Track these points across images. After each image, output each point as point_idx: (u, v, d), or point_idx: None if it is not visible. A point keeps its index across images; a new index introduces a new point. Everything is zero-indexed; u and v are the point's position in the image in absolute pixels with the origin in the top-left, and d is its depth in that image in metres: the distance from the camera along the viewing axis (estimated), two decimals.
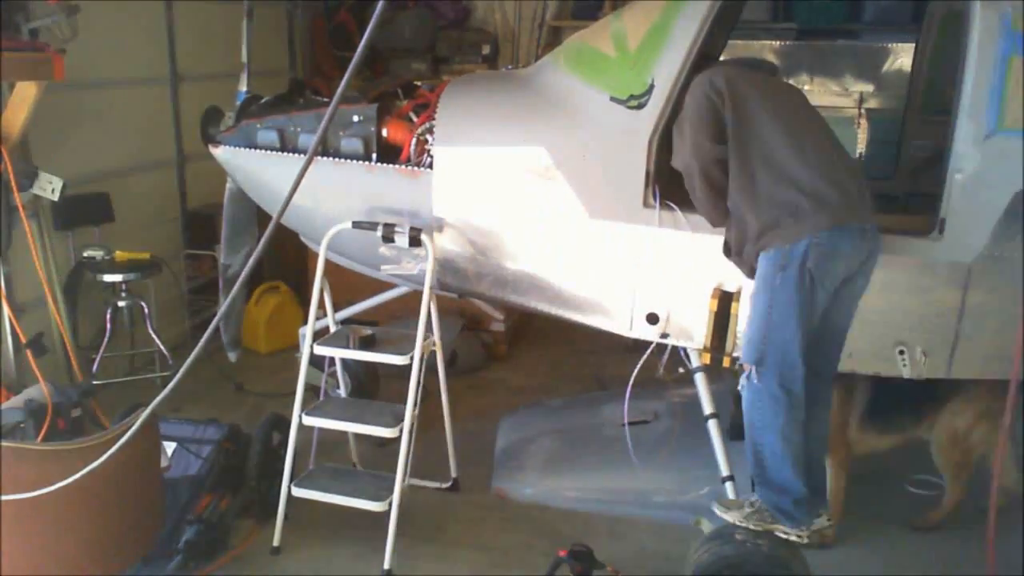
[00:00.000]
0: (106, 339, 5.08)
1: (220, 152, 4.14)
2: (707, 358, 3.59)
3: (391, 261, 3.92)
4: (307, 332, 3.88)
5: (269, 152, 3.99)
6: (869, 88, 6.89)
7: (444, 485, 4.33)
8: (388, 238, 3.76)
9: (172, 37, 5.92)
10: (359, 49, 2.16)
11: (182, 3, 5.96)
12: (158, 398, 2.61)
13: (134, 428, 2.78)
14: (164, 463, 3.72)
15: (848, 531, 4.01)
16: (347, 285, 4.47)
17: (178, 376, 2.50)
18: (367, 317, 4.60)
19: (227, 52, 4.77)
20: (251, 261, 2.44)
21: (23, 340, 4.31)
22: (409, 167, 3.79)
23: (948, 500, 3.98)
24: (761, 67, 3.45)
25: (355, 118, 3.85)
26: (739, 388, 3.13)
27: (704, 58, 3.46)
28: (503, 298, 3.90)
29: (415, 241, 3.73)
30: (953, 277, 3.32)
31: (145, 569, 3.53)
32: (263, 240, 2.39)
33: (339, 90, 2.29)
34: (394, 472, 3.66)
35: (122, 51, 5.44)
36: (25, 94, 4.18)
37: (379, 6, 2.24)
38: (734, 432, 3.77)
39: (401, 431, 3.65)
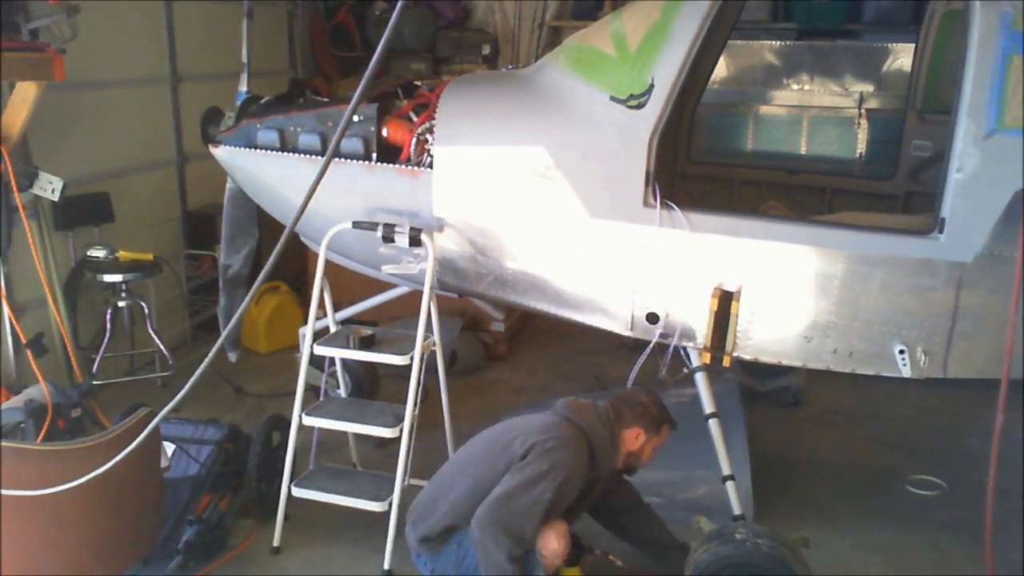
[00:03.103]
0: (106, 339, 5.08)
1: (220, 152, 4.14)
2: (707, 357, 3.59)
3: (391, 261, 3.92)
4: (307, 332, 3.88)
5: (269, 152, 3.99)
6: (869, 88, 6.88)
7: None
8: (388, 238, 3.76)
9: (172, 37, 5.93)
10: (377, 52, 2.19)
11: (182, 3, 5.96)
12: (165, 409, 2.61)
13: (141, 437, 2.78)
14: (164, 463, 3.72)
15: (848, 531, 4.01)
16: (347, 285, 4.47)
17: (187, 387, 2.51)
18: (367, 317, 4.61)
19: (227, 52, 4.77)
20: (264, 272, 2.45)
21: (23, 340, 4.31)
22: (409, 167, 3.79)
23: None
24: None
25: (355, 118, 3.85)
26: None
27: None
28: (503, 298, 3.90)
29: (415, 241, 3.73)
30: (953, 277, 3.32)
31: (145, 569, 3.53)
32: (276, 252, 2.40)
33: (358, 91, 2.30)
34: (394, 472, 3.65)
35: (122, 51, 5.44)
36: (25, 94, 4.19)
37: (397, 7, 2.27)
38: None
39: (401, 431, 3.64)
